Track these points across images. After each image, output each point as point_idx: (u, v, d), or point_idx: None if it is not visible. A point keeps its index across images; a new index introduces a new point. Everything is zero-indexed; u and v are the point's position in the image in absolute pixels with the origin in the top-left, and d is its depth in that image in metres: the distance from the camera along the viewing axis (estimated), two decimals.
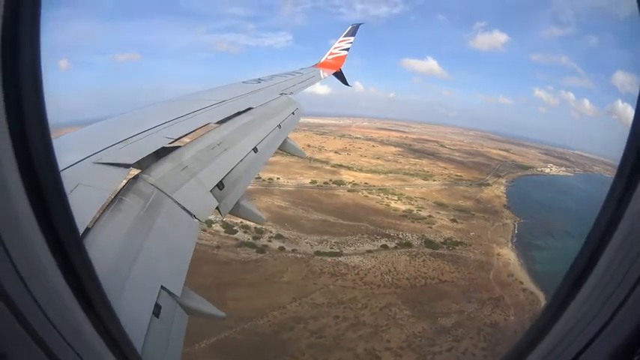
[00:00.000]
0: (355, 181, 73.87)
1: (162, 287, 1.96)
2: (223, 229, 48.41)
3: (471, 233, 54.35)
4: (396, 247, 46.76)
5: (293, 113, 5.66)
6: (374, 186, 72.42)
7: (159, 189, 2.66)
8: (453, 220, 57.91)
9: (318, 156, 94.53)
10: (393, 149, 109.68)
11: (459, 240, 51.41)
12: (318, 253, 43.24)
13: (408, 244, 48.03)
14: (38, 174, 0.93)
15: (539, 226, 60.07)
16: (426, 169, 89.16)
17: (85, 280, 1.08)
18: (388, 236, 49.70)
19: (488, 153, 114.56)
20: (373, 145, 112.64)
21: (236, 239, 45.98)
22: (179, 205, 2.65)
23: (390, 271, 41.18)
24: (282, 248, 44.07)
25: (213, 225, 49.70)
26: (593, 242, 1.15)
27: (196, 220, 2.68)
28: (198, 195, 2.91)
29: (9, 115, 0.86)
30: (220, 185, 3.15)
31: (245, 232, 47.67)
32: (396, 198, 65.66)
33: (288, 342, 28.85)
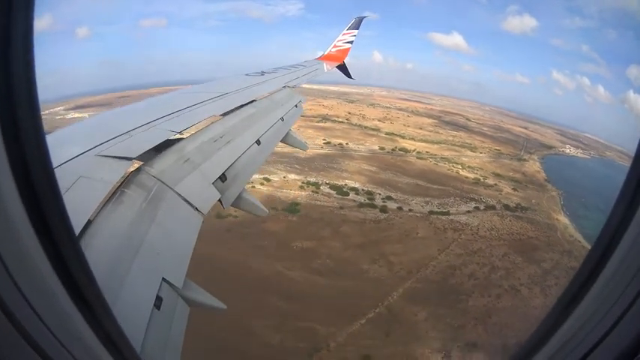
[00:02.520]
0: (417, 150, 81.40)
1: (164, 279, 2.02)
2: (334, 192, 54.84)
3: (532, 201, 65.11)
4: (485, 209, 56.14)
5: (296, 106, 5.78)
6: (435, 155, 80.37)
7: (161, 181, 2.72)
8: (515, 189, 68.10)
9: (365, 124, 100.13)
10: (427, 120, 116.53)
11: (525, 206, 61.88)
12: (431, 212, 51.39)
13: (493, 207, 57.55)
14: (31, 172, 0.91)
15: (577, 200, 71.86)
16: (467, 141, 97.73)
17: (81, 281, 1.06)
18: (474, 200, 58.81)
19: (511, 129, 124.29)
20: (408, 116, 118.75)
21: (353, 200, 52.26)
22: (181, 197, 2.72)
23: (492, 228, 50.70)
24: (400, 208, 51.40)
25: (321, 187, 56.10)
26: (602, 244, 1.16)
27: (198, 212, 2.74)
28: (201, 187, 2.99)
29: (1, 112, 0.84)
30: (223, 177, 3.23)
31: (356, 194, 54.38)
32: (460, 167, 74.36)
33: (456, 285, 37.05)
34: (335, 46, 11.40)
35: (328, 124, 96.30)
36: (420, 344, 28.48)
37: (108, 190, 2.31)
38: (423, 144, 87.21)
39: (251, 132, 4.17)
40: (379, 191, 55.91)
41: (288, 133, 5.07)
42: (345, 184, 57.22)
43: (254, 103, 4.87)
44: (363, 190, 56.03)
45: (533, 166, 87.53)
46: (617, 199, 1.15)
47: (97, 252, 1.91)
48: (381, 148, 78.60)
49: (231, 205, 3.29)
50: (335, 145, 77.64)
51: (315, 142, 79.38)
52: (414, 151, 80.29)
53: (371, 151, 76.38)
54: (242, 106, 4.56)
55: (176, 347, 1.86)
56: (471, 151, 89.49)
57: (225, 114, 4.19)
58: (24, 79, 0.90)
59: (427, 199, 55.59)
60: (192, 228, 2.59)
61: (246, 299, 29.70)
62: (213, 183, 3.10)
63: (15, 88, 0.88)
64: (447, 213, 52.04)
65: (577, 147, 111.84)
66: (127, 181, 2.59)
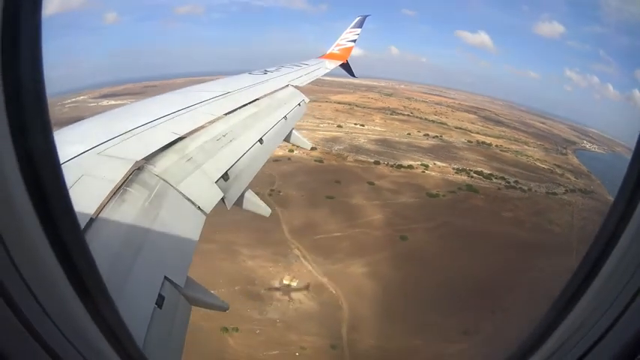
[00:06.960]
0: (493, 143, 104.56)
1: (166, 278, 2.17)
2: (480, 176, 75.97)
3: (591, 187, 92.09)
4: (571, 192, 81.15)
5: (299, 105, 6.26)
6: (508, 148, 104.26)
7: (164, 180, 2.93)
8: (576, 178, 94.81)
9: (428, 117, 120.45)
10: (469, 115, 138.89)
11: (590, 190, 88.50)
12: (547, 193, 75.45)
13: (573, 190, 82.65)
14: (39, 168, 0.98)
15: (613, 187, 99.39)
16: (515, 136, 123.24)
17: (86, 277, 1.14)
18: (560, 184, 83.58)
19: (534, 125, 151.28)
20: (452, 111, 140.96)
21: (498, 183, 73.94)
22: (184, 196, 2.94)
23: (583, 204, 75.61)
24: (530, 189, 74.50)
25: (470, 173, 76.79)
26: (599, 244, 1.25)
27: (201, 211, 2.96)
28: (203, 186, 3.22)
29: (9, 109, 0.90)
30: (225, 176, 3.48)
31: (495, 179, 76.17)
32: (532, 159, 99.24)
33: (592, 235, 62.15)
34: (338, 45, 12.24)
35: (402, 117, 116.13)
36: None
37: (111, 189, 2.53)
38: (490, 138, 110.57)
39: (254, 131, 4.55)
40: (505, 176, 78.62)
41: (291, 132, 5.60)
42: (481, 171, 79.07)
43: (257, 102, 5.31)
44: (496, 175, 78.27)
45: (573, 159, 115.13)
46: (617, 196, 1.24)
47: (99, 250, 2.00)
48: (469, 142, 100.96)
49: (234, 205, 3.58)
50: (434, 138, 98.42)
51: (415, 134, 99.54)
52: (491, 144, 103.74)
53: (464, 143, 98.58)
54: (245, 105, 4.94)
55: (178, 346, 2.00)
56: (527, 145, 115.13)
57: (228, 113, 4.55)
58: (31, 74, 0.96)
59: (536, 183, 79.59)
60: (194, 227, 2.81)
61: (515, 257, 50.03)
62: (215, 182, 3.37)
63: (23, 83, 0.94)
64: (555, 194, 76.44)
65: (592, 142, 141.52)
66: (130, 179, 2.80)
